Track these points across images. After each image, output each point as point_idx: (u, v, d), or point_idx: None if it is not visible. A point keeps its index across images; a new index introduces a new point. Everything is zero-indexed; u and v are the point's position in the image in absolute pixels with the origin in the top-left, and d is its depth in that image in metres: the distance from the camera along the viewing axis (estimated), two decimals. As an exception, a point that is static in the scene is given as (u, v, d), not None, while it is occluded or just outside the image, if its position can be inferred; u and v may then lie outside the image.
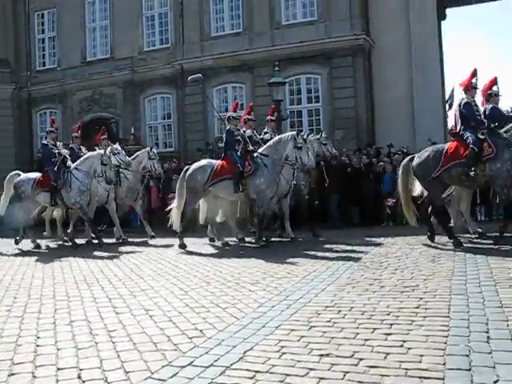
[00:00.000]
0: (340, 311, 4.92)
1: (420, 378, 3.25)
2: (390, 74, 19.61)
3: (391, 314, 4.72)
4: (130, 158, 12.98)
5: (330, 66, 19.98)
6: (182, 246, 10.53)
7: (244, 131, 11.22)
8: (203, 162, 11.38)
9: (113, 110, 23.48)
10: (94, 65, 23.67)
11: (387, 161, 14.52)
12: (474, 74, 9.78)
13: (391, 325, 4.39)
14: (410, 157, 10.16)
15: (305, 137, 10.82)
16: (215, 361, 3.73)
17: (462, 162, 9.06)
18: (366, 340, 4.02)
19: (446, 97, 24.93)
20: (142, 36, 23.04)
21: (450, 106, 28.27)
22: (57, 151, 12.30)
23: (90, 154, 12.38)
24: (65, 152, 12.45)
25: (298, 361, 3.66)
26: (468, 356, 3.55)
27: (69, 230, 12.57)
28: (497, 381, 3.16)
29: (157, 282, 6.88)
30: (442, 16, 24.76)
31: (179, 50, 21.99)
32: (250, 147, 10.69)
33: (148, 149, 13.96)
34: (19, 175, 13.05)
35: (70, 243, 12.13)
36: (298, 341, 4.11)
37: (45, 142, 12.81)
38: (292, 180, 10.79)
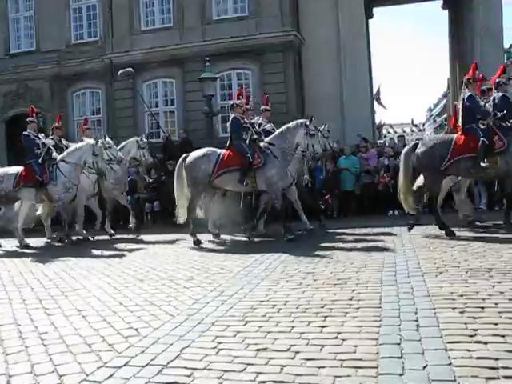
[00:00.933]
0: (275, 305, 4.96)
1: (355, 367, 3.34)
2: (319, 70, 19.94)
3: (325, 306, 4.81)
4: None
5: (260, 62, 20.10)
6: (197, 242, 9.96)
7: (260, 123, 11.05)
8: (204, 150, 10.66)
9: (39, 105, 22.61)
10: (19, 57, 22.73)
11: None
12: (476, 67, 10.05)
13: (326, 317, 4.47)
14: (413, 143, 10.10)
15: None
16: (152, 360, 3.68)
17: (472, 156, 9.05)
18: (302, 333, 4.08)
19: (374, 92, 25.61)
20: (70, 28, 22.34)
21: (378, 101, 29.19)
22: (41, 142, 11.36)
23: (79, 144, 11.43)
24: (49, 142, 11.58)
25: (235, 356, 3.67)
26: (399, 344, 3.67)
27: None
28: (425, 366, 3.29)
29: (89, 281, 6.72)
30: (369, 14, 25.41)
31: (108, 43, 21.49)
32: (254, 136, 10.27)
33: (137, 138, 13.16)
34: None
35: (61, 241, 11.30)
36: (235, 336, 4.12)
37: (26, 132, 11.57)
38: (299, 169, 10.36)
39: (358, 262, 6.99)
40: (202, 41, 20.16)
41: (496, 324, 3.99)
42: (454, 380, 3.09)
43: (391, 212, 13.50)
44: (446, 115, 66.57)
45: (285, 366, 3.45)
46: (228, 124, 10.98)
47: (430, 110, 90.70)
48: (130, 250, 9.71)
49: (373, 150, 15.10)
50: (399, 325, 4.09)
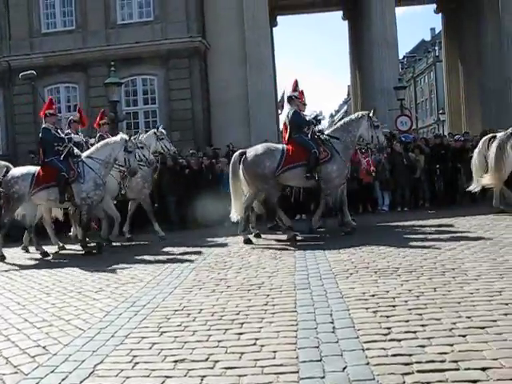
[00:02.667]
0: (190, 314, 4.87)
1: (276, 373, 3.32)
2: (225, 76, 20.04)
3: (241, 313, 4.77)
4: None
5: (166, 68, 19.93)
6: (248, 241, 9.57)
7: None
8: (264, 145, 10.19)
9: None
10: None
11: (225, 161, 14.72)
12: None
13: (242, 324, 4.43)
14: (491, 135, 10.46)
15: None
16: (63, 380, 3.48)
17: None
18: (220, 341, 4.02)
19: (278, 98, 26.07)
20: (-40, 29, 21.05)
21: (282, 107, 29.72)
22: (67, 137, 10.18)
23: (108, 139, 10.41)
24: (77, 138, 10.48)
25: (153, 369, 3.55)
26: (318, 347, 3.70)
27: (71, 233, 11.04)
28: (345, 367, 3.33)
29: (-12, 298, 6.29)
30: (273, 22, 25.85)
31: (5, 45, 20.45)
32: (317, 129, 9.96)
33: (154, 130, 11.98)
34: (8, 169, 10.35)
35: (84, 249, 9.95)
36: (150, 348, 3.99)
37: (45, 125, 10.24)
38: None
39: (270, 266, 7.02)
40: (106, 45, 19.69)
41: (407, 321, 4.13)
42: (373, 379, 3.14)
43: (298, 216, 13.72)
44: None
45: (205, 376, 3.37)
46: (285, 117, 10.58)
47: (332, 115, 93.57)
48: (34, 262, 9.23)
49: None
50: (316, 328, 4.13)
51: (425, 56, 56.36)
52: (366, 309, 4.54)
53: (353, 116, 10.26)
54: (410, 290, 5.05)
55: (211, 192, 14.10)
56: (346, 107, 72.26)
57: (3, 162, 10.43)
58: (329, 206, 10.07)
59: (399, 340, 3.72)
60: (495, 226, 9.19)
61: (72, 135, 10.48)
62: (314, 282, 5.79)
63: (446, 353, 3.42)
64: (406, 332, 3.87)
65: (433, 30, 57.98)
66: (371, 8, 21.16)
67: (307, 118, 10.23)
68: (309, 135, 9.94)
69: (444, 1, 27.62)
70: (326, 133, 10.15)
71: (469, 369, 3.19)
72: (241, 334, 4.18)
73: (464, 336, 3.70)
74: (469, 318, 4.08)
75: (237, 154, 10.30)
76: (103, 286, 6.49)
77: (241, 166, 9.97)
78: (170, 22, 19.72)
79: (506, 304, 4.39)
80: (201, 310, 4.99)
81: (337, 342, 3.78)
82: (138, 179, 10.95)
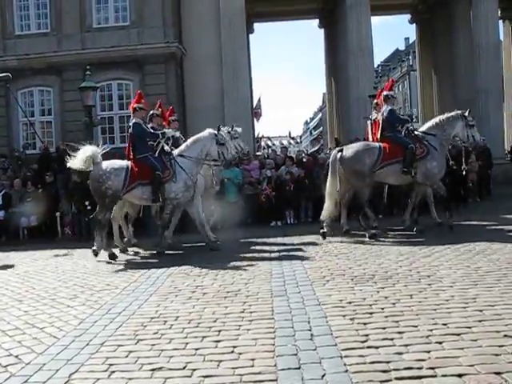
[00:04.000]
0: (166, 321, 4.83)
1: (255, 382, 3.31)
2: (201, 82, 20.00)
3: (218, 320, 4.74)
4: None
5: (142, 73, 19.79)
6: (347, 231, 10.04)
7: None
8: (363, 143, 10.47)
9: None
10: None
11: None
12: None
13: (219, 331, 4.41)
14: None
15: None
16: (37, 389, 3.41)
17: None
18: (197, 349, 3.99)
19: (254, 105, 26.13)
20: None
21: (257, 114, 29.87)
22: (160, 132, 9.78)
23: (197, 136, 9.98)
24: (169, 132, 9.92)
25: (130, 378, 3.51)
26: (296, 355, 3.69)
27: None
28: (324, 375, 3.33)
29: (-42, 305, 6.14)
30: (250, 29, 25.93)
31: (-23, 47, 20.09)
32: (411, 127, 10.11)
33: (227, 128, 10.81)
34: (97, 160, 9.56)
35: (159, 250, 9.54)
36: (127, 356, 3.94)
37: (136, 120, 9.82)
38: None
39: (247, 273, 7.01)
40: (82, 49, 19.45)
41: (384, 328, 4.16)
42: (352, 386, 3.15)
43: (274, 223, 13.74)
44: (321, 128, 69.52)
45: (182, 384, 3.34)
46: (380, 115, 10.55)
47: (307, 123, 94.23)
48: (4, 268, 9.06)
49: (255, 162, 15.31)
50: (294, 335, 4.12)
51: (399, 65, 57.12)
52: (344, 316, 4.56)
53: (449, 115, 10.42)
54: (386, 297, 5.09)
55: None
56: (320, 115, 72.77)
57: (89, 153, 9.57)
58: (440, 196, 10.33)
59: (377, 347, 3.74)
60: (468, 234, 9.32)
61: (166, 130, 10.08)
62: (290, 289, 5.79)
63: (423, 360, 3.46)
64: (384, 339, 3.90)
65: (407, 39, 58.86)
66: (347, 17, 21.35)
67: (402, 117, 10.55)
68: (402, 133, 10.16)
69: (418, 11, 28.06)
70: (420, 130, 10.41)
71: (445, 375, 3.23)
72: (218, 341, 4.15)
73: (440, 343, 3.74)
74: (445, 324, 4.13)
75: (335, 151, 10.39)
76: (78, 293, 6.39)
77: (336, 163, 10.04)
78: (147, 27, 19.60)
79: (481, 311, 4.46)
80: (177, 317, 4.96)
81: (315, 349, 3.78)
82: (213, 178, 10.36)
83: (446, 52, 24.55)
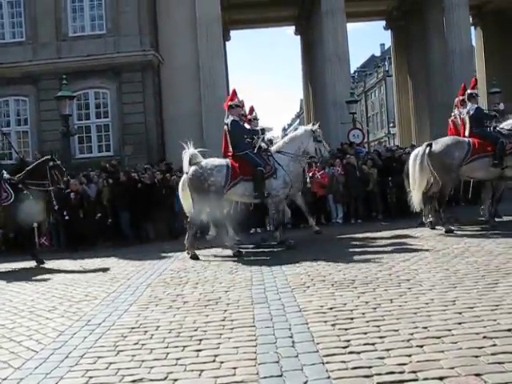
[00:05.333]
0: (147, 331, 4.78)
1: (237, 390, 3.28)
2: (179, 90, 20.01)
3: (199, 329, 4.71)
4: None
5: (119, 81, 19.75)
6: (448, 224, 9.96)
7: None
8: (452, 137, 10.64)
9: None
10: None
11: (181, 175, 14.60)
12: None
13: (200, 340, 4.37)
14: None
15: None
16: (15, 404, 3.35)
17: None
18: (178, 359, 3.95)
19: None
20: None
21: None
22: (259, 128, 9.98)
23: (295, 133, 10.34)
24: (270, 129, 10.16)
25: (110, 390, 3.45)
26: (278, 362, 3.68)
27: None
28: (306, 382, 3.33)
29: None
30: (226, 37, 25.98)
31: (-51, 57, 19.83)
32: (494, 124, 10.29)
33: (309, 127, 10.48)
34: (197, 160, 9.69)
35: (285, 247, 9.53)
36: (107, 368, 3.89)
37: (233, 118, 9.92)
38: None
39: (227, 281, 6.98)
40: (58, 58, 19.37)
41: (366, 333, 4.16)
42: (334, 393, 3.15)
43: (254, 230, 13.72)
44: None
45: (164, 395, 3.31)
46: (465, 113, 10.69)
47: (285, 129, 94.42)
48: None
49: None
50: (275, 342, 4.11)
51: (375, 71, 57.71)
52: (325, 322, 4.56)
53: None
54: (366, 302, 5.10)
55: (165, 207, 14.00)
56: (298, 121, 73.08)
57: (190, 154, 9.78)
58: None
59: (358, 352, 3.74)
60: (446, 237, 9.42)
61: (265, 126, 10.25)
62: (271, 295, 5.78)
63: (404, 364, 3.47)
64: (365, 344, 3.90)
65: (382, 45, 59.54)
66: (323, 24, 21.53)
67: (490, 114, 10.79)
68: (490, 128, 10.37)
69: (393, 18, 28.41)
70: (500, 126, 10.53)
71: (427, 379, 3.24)
72: (199, 350, 4.12)
73: (421, 346, 3.76)
74: (425, 328, 4.15)
75: (424, 145, 10.53)
76: (56, 305, 6.30)
77: (425, 157, 10.18)
78: (123, 36, 19.57)
79: (460, 313, 4.49)
80: (158, 327, 4.91)
81: (297, 356, 3.77)
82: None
83: (421, 57, 24.90)
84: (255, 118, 11.35)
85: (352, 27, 77.33)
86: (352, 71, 37.40)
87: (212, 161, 9.89)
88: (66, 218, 12.34)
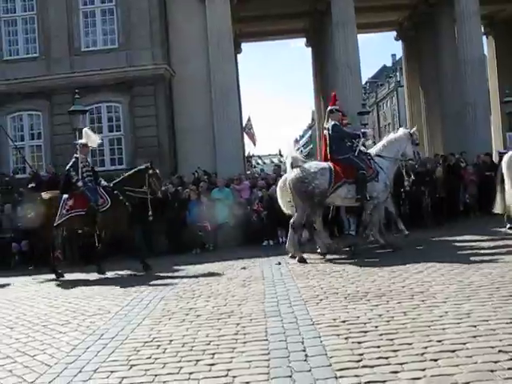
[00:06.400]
0: (160, 346, 4.78)
1: (249, 406, 3.27)
2: (190, 103, 20.09)
3: (211, 343, 4.70)
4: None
5: (131, 95, 19.88)
6: None
7: None
8: None
9: None
10: None
11: (193, 188, 14.66)
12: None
13: (213, 354, 4.37)
14: None
15: None
16: (28, 419, 3.35)
17: None
18: (191, 373, 3.95)
19: (244, 124, 26.25)
20: None
21: (249, 133, 29.91)
22: (361, 131, 10.13)
23: (392, 136, 10.34)
24: (370, 133, 10.32)
25: (123, 405, 3.45)
26: (291, 377, 3.67)
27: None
28: (319, 397, 3.30)
29: None
30: (238, 49, 26.13)
31: (-33, 72, 20.11)
32: None
33: (407, 130, 10.65)
34: (299, 163, 9.82)
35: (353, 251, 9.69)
36: (120, 383, 3.89)
37: (335, 122, 9.99)
38: None
39: (239, 294, 6.96)
40: (71, 72, 19.53)
41: (379, 347, 4.13)
42: (348, 408, 3.12)
43: (266, 242, 13.71)
44: (311, 146, 69.80)
45: (177, 410, 3.30)
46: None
47: (297, 141, 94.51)
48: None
49: (246, 182, 15.33)
50: (288, 356, 4.09)
51: (387, 81, 57.67)
52: (338, 335, 4.53)
53: None
54: (380, 315, 5.07)
55: (177, 220, 14.04)
56: (310, 132, 73.11)
57: (292, 156, 9.93)
58: None
59: (372, 366, 3.71)
60: (460, 248, 9.35)
61: (366, 130, 10.41)
62: (284, 309, 5.76)
63: (418, 378, 3.44)
64: (379, 358, 3.87)
65: (394, 55, 59.52)
66: (333, 35, 21.56)
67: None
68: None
69: (404, 29, 28.39)
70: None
71: (441, 394, 3.20)
72: (212, 364, 4.11)
73: (436, 360, 3.72)
74: (439, 341, 4.11)
75: (510, 152, 10.56)
76: (70, 319, 6.32)
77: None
78: (135, 49, 19.73)
79: (475, 326, 4.45)
80: (171, 340, 4.91)
81: (309, 370, 3.75)
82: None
83: (433, 67, 24.82)
84: (347, 123, 11.51)
85: (363, 38, 77.40)
86: (363, 82, 37.39)
87: (315, 164, 10.09)
88: (79, 231, 12.37)
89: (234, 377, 3.79)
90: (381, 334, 4.45)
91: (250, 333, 4.90)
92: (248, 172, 24.36)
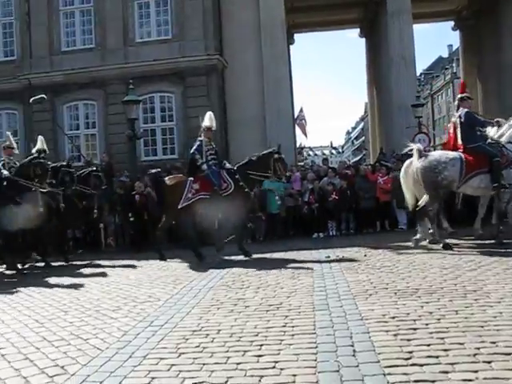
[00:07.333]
0: (208, 335, 4.82)
1: (296, 399, 3.26)
2: (242, 94, 20.14)
3: (259, 334, 4.72)
4: None
5: (183, 85, 20.08)
6: None
7: None
8: None
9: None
10: None
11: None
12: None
13: (261, 345, 4.38)
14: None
15: None
16: (81, 401, 3.45)
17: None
18: (238, 364, 3.97)
19: (295, 116, 26.13)
20: (-16, 47, 21.48)
21: (300, 124, 29.77)
22: (495, 120, 10.06)
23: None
24: (503, 121, 10.07)
25: (171, 392, 3.51)
26: (338, 371, 3.63)
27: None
28: (366, 393, 3.27)
29: (7, 315, 6.29)
30: (290, 40, 26.00)
31: (26, 63, 20.77)
32: None
33: None
34: (425, 153, 9.82)
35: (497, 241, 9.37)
36: (169, 370, 3.95)
37: (465, 109, 9.88)
38: None
39: (288, 286, 6.94)
40: (125, 63, 19.90)
41: (429, 345, 4.04)
42: (396, 406, 3.08)
43: (316, 234, 13.67)
44: (363, 138, 68.99)
45: (224, 400, 3.33)
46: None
47: (349, 133, 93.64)
48: (50, 280, 9.23)
49: (297, 174, 15.28)
50: (336, 351, 4.06)
51: (442, 73, 56.27)
52: (387, 331, 4.47)
53: None
54: (430, 313, 4.96)
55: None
56: (362, 124, 72.25)
57: (419, 146, 10.02)
58: None
59: (421, 365, 3.64)
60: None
61: (499, 119, 10.30)
62: (332, 302, 5.71)
63: (470, 380, 3.35)
64: (428, 357, 3.79)
65: (450, 46, 57.91)
66: (388, 26, 21.18)
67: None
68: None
69: (462, 18, 27.59)
70: None
71: (494, 397, 3.11)
72: (260, 356, 4.12)
73: (489, 362, 3.61)
74: (493, 343, 3.99)
75: None
76: (121, 305, 6.46)
77: None
78: (188, 40, 19.91)
79: (531, 328, 4.30)
80: (219, 330, 4.95)
81: (357, 366, 3.71)
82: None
83: (492, 59, 24.05)
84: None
85: (418, 28, 75.69)
86: (418, 73, 36.63)
87: (445, 154, 9.78)
88: (131, 219, 12.66)
89: (282, 369, 3.79)
90: (431, 333, 4.35)
91: (298, 325, 4.89)
92: (299, 163, 24.30)
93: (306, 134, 29.50)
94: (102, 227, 13.69)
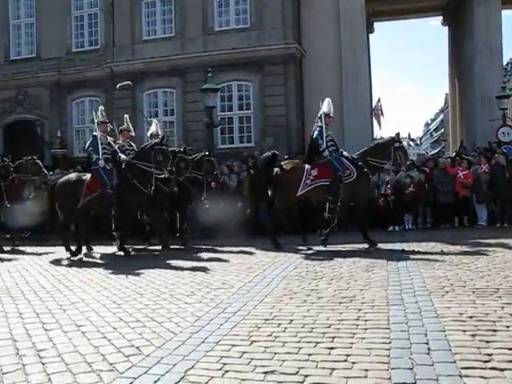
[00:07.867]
0: (280, 324, 4.83)
1: (368, 394, 3.22)
2: (320, 83, 19.92)
3: (332, 326, 4.68)
4: None
5: (261, 74, 20.13)
6: None
7: None
8: None
9: (38, 112, 22.62)
10: (19, 64, 22.74)
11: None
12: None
13: (333, 338, 4.34)
14: None
15: None
16: (155, 382, 3.54)
17: None
18: (310, 355, 3.95)
19: (373, 105, 25.64)
20: (71, 36, 22.45)
21: (376, 115, 29.18)
22: None
23: None
24: None
25: (243, 379, 3.53)
26: (412, 369, 3.54)
27: None
28: (441, 393, 3.17)
29: (87, 295, 6.55)
30: (370, 29, 25.48)
31: (109, 52, 21.52)
32: None
33: None
34: None
35: None
36: (241, 357, 3.99)
37: None
38: None
39: (362, 279, 6.85)
40: (204, 51, 20.19)
41: (510, 349, 3.86)
42: (473, 410, 2.97)
43: (391, 227, 13.41)
44: (442, 130, 66.83)
45: (295, 390, 3.33)
46: None
47: (428, 124, 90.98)
48: (125, 261, 9.54)
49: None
50: (410, 347, 3.97)
51: (531, 62, 53.46)
52: (464, 331, 4.32)
53: None
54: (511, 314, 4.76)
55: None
56: (442, 116, 69.99)
57: None
58: None
59: (502, 369, 3.48)
60: None
61: None
62: (407, 298, 5.58)
63: (555, 388, 3.18)
64: (509, 361, 3.61)
65: (540, 35, 54.93)
66: (474, 12, 20.37)
67: None
68: None
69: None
70: None
71: None
72: (332, 348, 4.09)
73: None
74: None
75: None
76: (195, 290, 6.58)
77: None
78: (266, 29, 19.93)
79: None
80: (291, 320, 4.94)
81: (432, 364, 3.61)
82: None
83: None
84: None
85: (505, 14, 72.04)
86: (504, 63, 35.03)
87: None
88: (207, 206, 12.80)
89: (354, 363, 3.74)
90: (512, 335, 4.17)
91: (371, 319, 4.81)
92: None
93: (380, 125, 28.94)
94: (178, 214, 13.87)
